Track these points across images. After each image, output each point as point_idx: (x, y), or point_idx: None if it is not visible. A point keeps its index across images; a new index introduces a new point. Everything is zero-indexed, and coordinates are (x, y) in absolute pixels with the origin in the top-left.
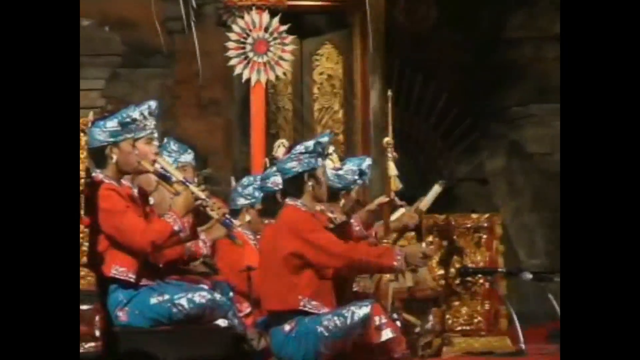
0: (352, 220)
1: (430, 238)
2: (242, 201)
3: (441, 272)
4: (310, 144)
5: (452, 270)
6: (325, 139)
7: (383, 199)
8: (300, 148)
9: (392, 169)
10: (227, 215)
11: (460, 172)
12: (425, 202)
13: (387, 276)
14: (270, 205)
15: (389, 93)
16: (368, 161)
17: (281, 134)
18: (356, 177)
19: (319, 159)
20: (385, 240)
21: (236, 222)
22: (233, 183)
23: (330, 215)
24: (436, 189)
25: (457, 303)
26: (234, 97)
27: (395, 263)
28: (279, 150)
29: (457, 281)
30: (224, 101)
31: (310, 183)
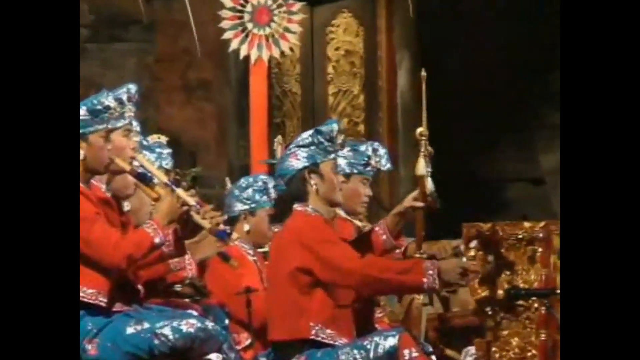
0: (376, 228)
1: (472, 252)
2: (239, 207)
3: (486, 293)
4: (307, 134)
5: (500, 291)
6: (329, 128)
7: (414, 202)
8: (297, 141)
9: (424, 167)
10: (222, 225)
11: (509, 170)
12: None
13: (420, 298)
14: (284, 208)
15: (423, 72)
16: (370, 145)
17: (287, 123)
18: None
19: (323, 152)
20: (417, 255)
21: (233, 233)
22: (228, 185)
23: (358, 223)
24: None
25: (505, 332)
26: (228, 79)
27: (425, 280)
28: (278, 150)
29: (506, 305)
30: (217, 83)
31: (313, 182)
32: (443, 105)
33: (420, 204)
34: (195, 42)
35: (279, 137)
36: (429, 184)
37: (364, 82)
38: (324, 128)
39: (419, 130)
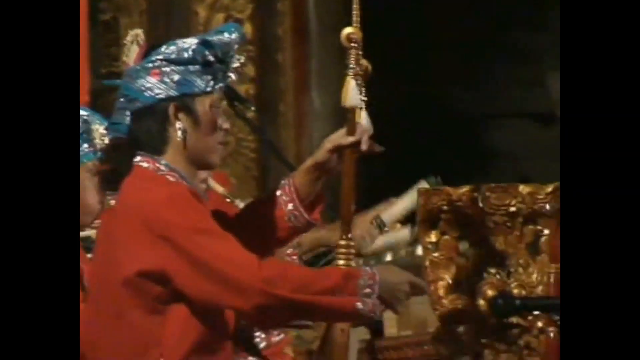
0: (278, 192)
1: (432, 236)
2: None
3: (456, 305)
4: (186, 44)
5: (481, 301)
6: (224, 38)
7: (340, 137)
8: (166, 51)
9: (357, 94)
10: None
11: (499, 100)
12: (396, 210)
13: None
14: (127, 163)
15: None
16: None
17: (123, 22)
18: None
19: (207, 79)
20: (342, 248)
21: None
22: None
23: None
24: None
25: None
26: None
27: (359, 305)
28: (131, 51)
29: (491, 325)
30: None
31: (179, 125)
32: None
33: (350, 138)
34: None
35: (139, 32)
36: (365, 120)
37: None
38: (216, 38)
39: (347, 31)
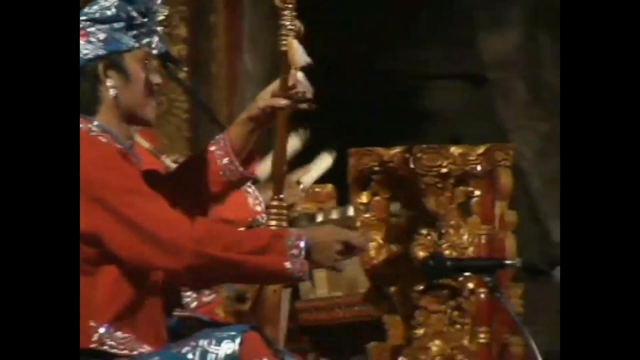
0: (212, 148)
1: (364, 197)
2: None
3: (389, 265)
4: (110, 2)
5: (413, 262)
6: None
7: (274, 99)
8: (88, 11)
9: (302, 51)
10: None
11: (430, 61)
12: (314, 174)
13: None
14: None
15: None
16: None
17: None
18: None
19: (132, 35)
20: (274, 208)
21: None
22: None
23: (168, 162)
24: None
25: (420, 332)
26: None
27: (287, 265)
28: None
29: (422, 287)
30: None
31: (110, 83)
32: None
33: (284, 101)
34: None
35: None
36: (300, 77)
37: None
38: None
39: None
